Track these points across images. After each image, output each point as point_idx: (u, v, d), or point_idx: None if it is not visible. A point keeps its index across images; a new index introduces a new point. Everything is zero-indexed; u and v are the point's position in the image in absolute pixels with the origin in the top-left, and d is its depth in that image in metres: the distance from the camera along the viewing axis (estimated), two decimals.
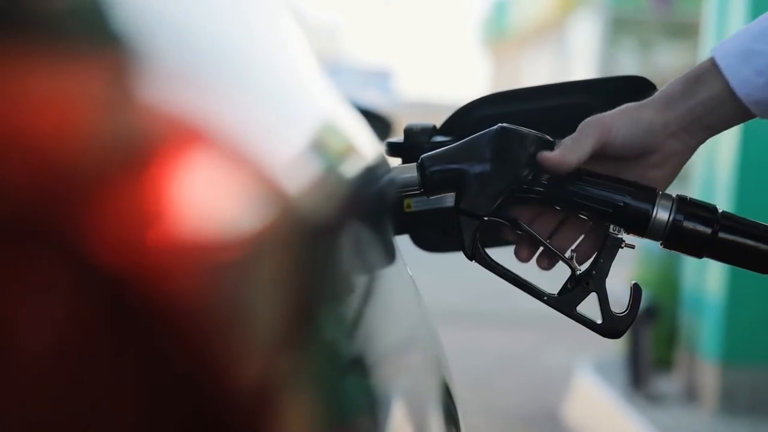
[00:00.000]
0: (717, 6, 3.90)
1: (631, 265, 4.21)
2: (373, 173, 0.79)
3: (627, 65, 15.38)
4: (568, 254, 0.94)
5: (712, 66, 0.89)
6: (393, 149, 1.06)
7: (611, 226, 0.92)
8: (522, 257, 0.94)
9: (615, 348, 4.35)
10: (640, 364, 3.93)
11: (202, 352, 0.35)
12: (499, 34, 24.95)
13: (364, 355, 0.58)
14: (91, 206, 0.33)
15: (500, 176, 0.91)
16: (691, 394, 3.90)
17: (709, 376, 3.77)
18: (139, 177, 0.34)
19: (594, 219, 0.93)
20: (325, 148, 0.63)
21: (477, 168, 0.91)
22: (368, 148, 0.82)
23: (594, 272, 0.92)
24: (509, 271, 0.93)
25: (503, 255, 0.96)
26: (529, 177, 0.91)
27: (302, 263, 0.45)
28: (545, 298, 0.93)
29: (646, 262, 4.22)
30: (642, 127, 0.89)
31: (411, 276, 0.94)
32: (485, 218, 0.92)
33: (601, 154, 0.90)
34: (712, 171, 3.90)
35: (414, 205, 1.06)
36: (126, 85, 0.36)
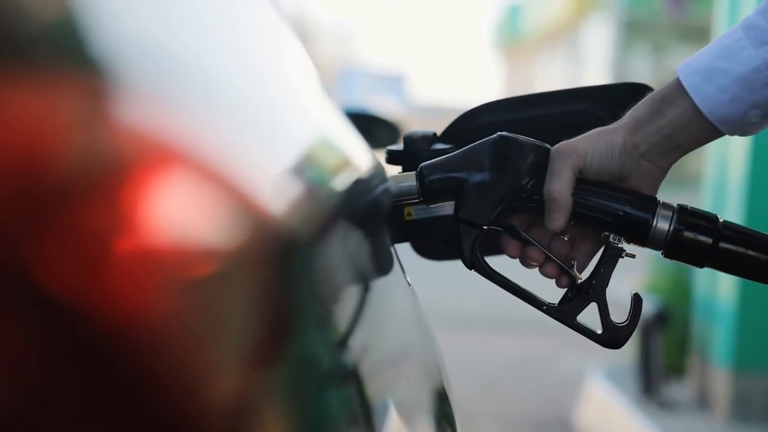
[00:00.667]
0: (728, 9, 3.88)
1: (643, 270, 4.19)
2: (365, 184, 0.79)
3: (640, 69, 15.35)
4: (568, 263, 0.93)
5: (677, 85, 0.89)
6: (393, 157, 1.05)
7: (611, 236, 0.91)
8: (528, 261, 0.94)
9: (626, 354, 4.33)
10: (651, 370, 3.91)
11: (169, 373, 0.34)
12: (512, 38, 24.94)
13: (353, 367, 0.57)
14: (55, 228, 0.32)
15: (499, 185, 0.90)
16: (703, 401, 3.87)
17: (721, 382, 3.75)
18: (106, 198, 0.33)
19: (594, 228, 0.92)
20: (312, 160, 0.63)
21: (476, 177, 0.91)
22: (361, 158, 0.82)
23: (594, 281, 0.92)
24: (509, 280, 0.92)
25: (503, 264, 0.96)
26: (529, 185, 0.90)
27: (281, 278, 0.45)
28: (545, 307, 0.92)
29: (658, 268, 4.20)
30: (615, 150, 0.89)
31: (410, 284, 0.94)
32: (484, 227, 0.91)
33: (579, 179, 0.90)
34: (724, 176, 3.87)
35: (414, 213, 1.05)
36: (97, 107, 0.36)
